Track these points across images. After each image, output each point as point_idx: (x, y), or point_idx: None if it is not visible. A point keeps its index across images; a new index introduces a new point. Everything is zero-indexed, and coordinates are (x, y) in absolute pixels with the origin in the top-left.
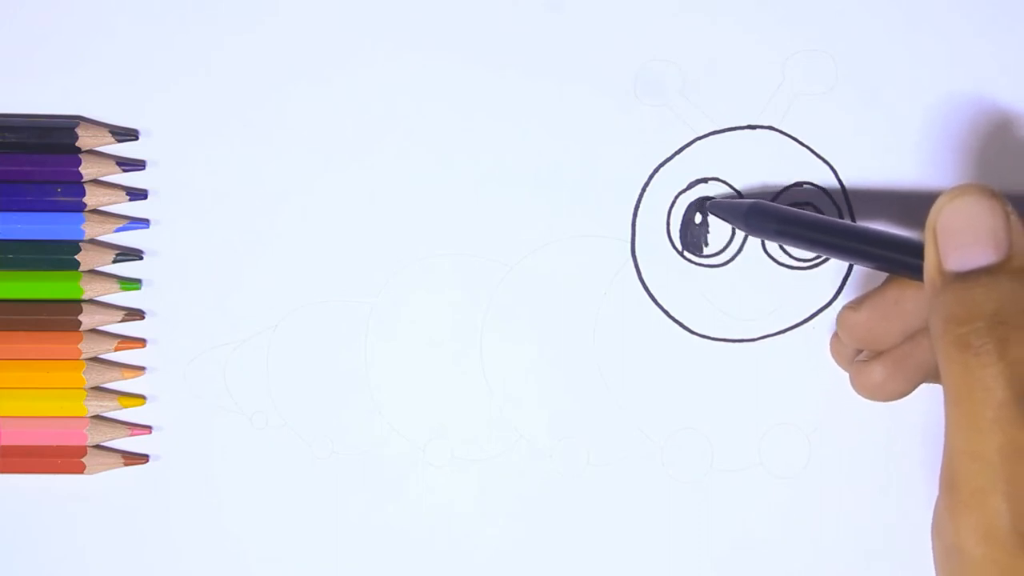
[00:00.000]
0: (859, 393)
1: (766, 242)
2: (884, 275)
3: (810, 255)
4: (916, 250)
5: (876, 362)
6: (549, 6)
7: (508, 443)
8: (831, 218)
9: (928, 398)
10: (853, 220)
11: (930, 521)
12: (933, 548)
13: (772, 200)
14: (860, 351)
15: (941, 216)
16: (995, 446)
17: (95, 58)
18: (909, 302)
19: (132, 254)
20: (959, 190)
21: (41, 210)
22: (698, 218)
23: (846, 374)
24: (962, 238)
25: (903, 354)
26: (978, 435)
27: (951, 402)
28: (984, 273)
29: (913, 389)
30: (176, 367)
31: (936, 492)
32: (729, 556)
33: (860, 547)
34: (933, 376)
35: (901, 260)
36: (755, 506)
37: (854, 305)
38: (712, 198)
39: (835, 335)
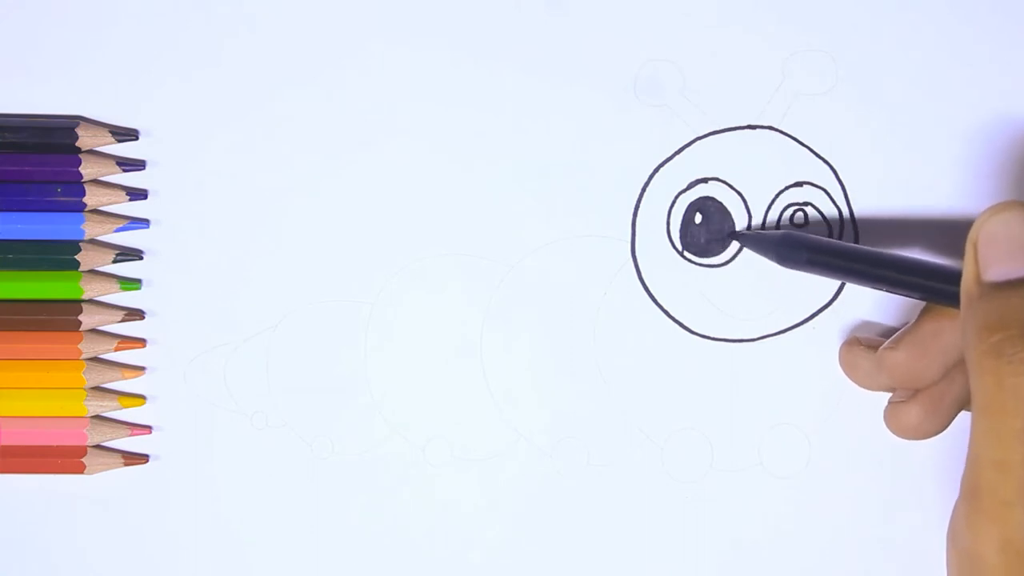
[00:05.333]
0: (894, 433)
1: None
2: (916, 313)
3: None
4: (953, 277)
5: (913, 403)
6: (549, 6)
7: (508, 443)
8: (864, 247)
9: None
10: (853, 220)
11: (930, 522)
12: (947, 551)
13: (772, 200)
14: (881, 373)
15: (983, 230)
16: (1021, 457)
17: (95, 58)
18: (947, 335)
19: (132, 254)
20: (1001, 206)
21: (41, 210)
22: (698, 218)
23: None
24: (1004, 250)
25: (940, 392)
26: (1005, 445)
27: (980, 410)
28: (1022, 283)
29: (948, 425)
30: (176, 367)
31: (936, 492)
32: (729, 556)
33: (860, 547)
34: (968, 407)
35: (937, 287)
36: (755, 506)
37: (892, 345)
38: (711, 199)
39: (845, 348)
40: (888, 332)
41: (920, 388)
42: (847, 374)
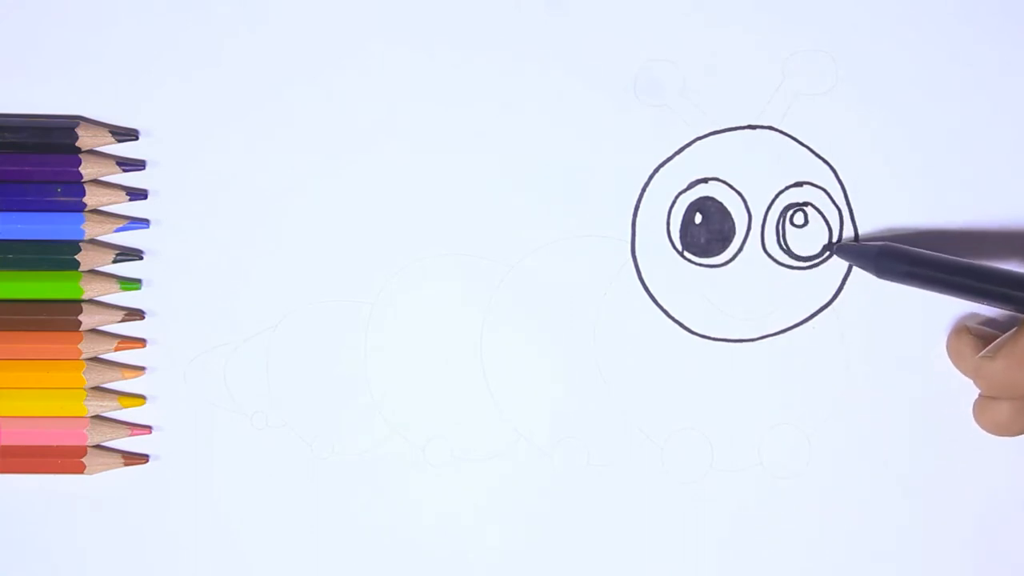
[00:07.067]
0: (982, 428)
1: (766, 242)
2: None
3: (811, 255)
4: None
5: (1004, 400)
6: (549, 6)
7: (508, 443)
8: (964, 260)
9: (924, 398)
10: (853, 220)
11: (929, 521)
12: None
13: (772, 200)
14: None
15: None
16: None
17: (95, 58)
18: None
19: (132, 254)
20: None
21: (41, 210)
22: (698, 218)
23: (846, 374)
24: None
25: None
26: None
27: None
28: None
29: None
30: (176, 367)
31: (936, 492)
32: (728, 556)
33: (860, 547)
34: None
35: None
36: (755, 506)
37: (989, 354)
38: (711, 199)
39: (954, 335)
40: (992, 322)
41: (1015, 397)
42: (952, 361)
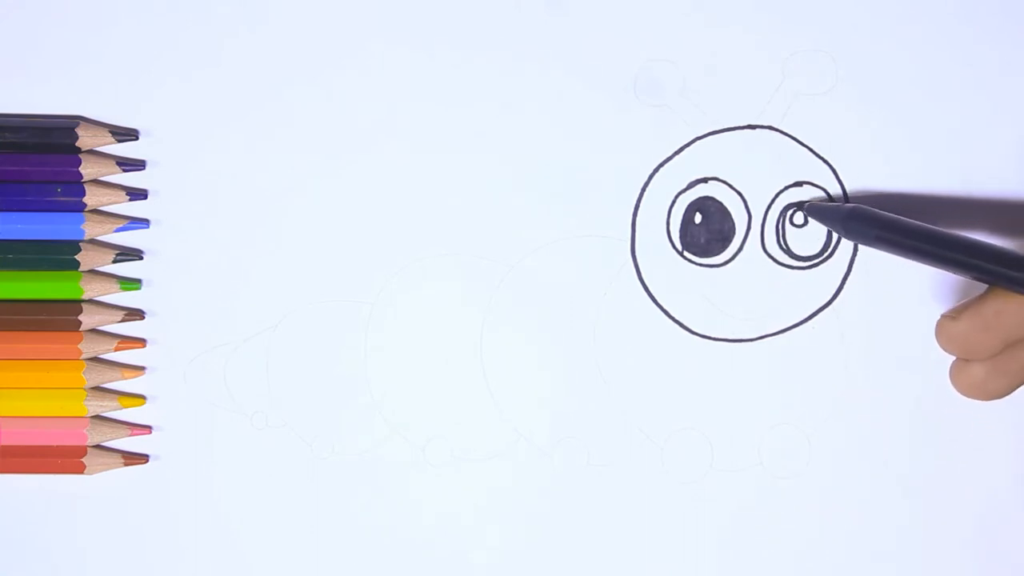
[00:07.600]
0: (959, 391)
1: (766, 241)
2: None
3: (811, 255)
4: (1020, 263)
5: (978, 361)
6: (549, 6)
7: (508, 443)
8: (933, 227)
9: (924, 398)
10: None
11: (929, 521)
12: None
13: (772, 200)
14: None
15: None
16: None
17: (95, 58)
18: (1011, 315)
19: (132, 254)
20: None
21: (41, 210)
22: (698, 218)
23: (846, 374)
24: None
25: (1007, 356)
26: None
27: None
28: None
29: (1015, 388)
30: (176, 367)
31: (936, 491)
32: (728, 556)
33: (860, 547)
34: None
35: (1004, 273)
36: (755, 506)
37: (953, 315)
38: (711, 199)
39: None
40: None
41: (975, 360)
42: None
